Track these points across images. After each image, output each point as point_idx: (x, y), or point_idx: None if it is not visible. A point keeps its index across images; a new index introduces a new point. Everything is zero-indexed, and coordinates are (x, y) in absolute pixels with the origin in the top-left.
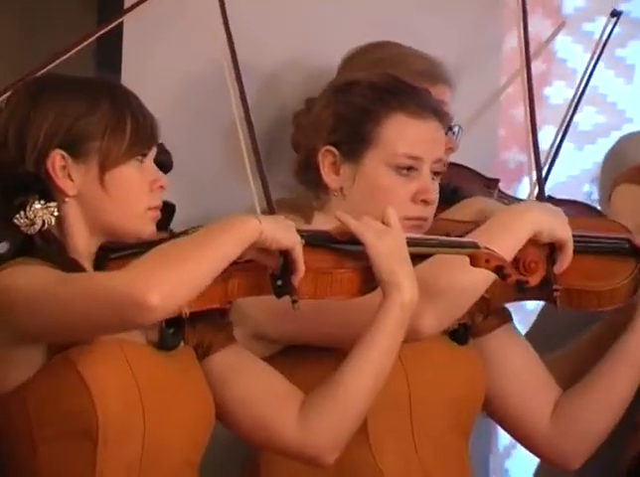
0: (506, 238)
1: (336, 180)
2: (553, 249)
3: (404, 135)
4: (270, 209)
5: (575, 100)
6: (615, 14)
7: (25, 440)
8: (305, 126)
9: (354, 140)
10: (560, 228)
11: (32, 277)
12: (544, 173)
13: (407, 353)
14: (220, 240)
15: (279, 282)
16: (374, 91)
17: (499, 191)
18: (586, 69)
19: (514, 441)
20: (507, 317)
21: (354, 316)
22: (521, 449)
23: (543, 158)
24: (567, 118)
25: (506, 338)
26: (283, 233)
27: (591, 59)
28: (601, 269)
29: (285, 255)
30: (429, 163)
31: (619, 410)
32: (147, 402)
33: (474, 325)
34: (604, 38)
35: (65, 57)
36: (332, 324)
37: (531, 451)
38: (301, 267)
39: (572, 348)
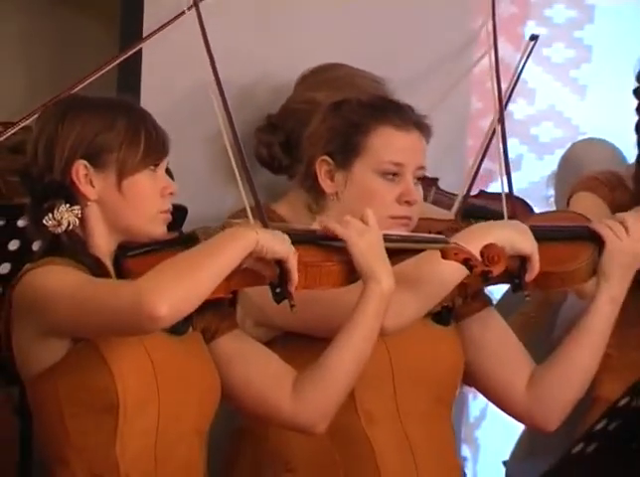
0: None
1: (331, 186)
2: (523, 261)
3: (389, 145)
4: (258, 207)
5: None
6: (533, 38)
7: (56, 416)
8: (307, 138)
9: (346, 150)
10: (521, 242)
11: (59, 279)
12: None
13: (391, 335)
14: (222, 252)
15: (277, 290)
16: (362, 108)
17: (437, 188)
18: (513, 78)
19: (484, 413)
20: (488, 302)
21: (338, 310)
22: (489, 420)
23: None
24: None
25: (488, 320)
26: (278, 244)
27: (513, 76)
28: (564, 254)
29: (281, 265)
30: (412, 169)
31: (585, 381)
32: (161, 381)
33: (456, 308)
34: (523, 60)
35: (90, 79)
36: (321, 315)
37: (511, 416)
38: (295, 276)
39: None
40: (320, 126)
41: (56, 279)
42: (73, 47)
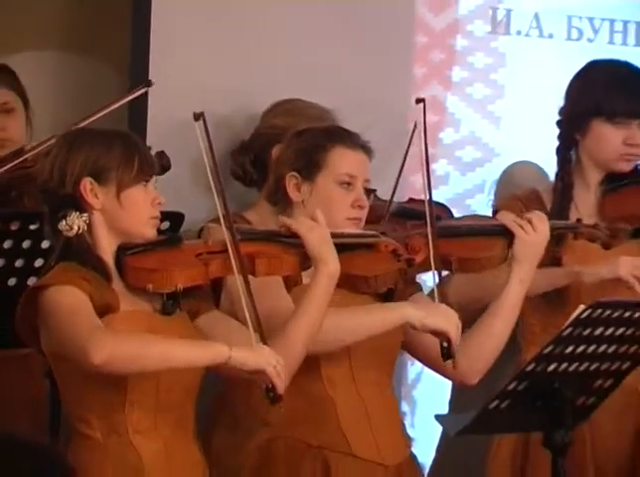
0: (377, 319)
1: (298, 195)
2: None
3: (344, 160)
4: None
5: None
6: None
7: (79, 388)
8: (276, 160)
9: (310, 166)
10: (431, 321)
11: (64, 300)
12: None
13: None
14: (186, 352)
15: (271, 394)
16: (322, 133)
17: (375, 196)
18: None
19: (419, 376)
20: (419, 288)
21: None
22: (424, 382)
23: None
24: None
25: (420, 302)
26: (252, 359)
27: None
28: (483, 245)
29: None
30: (361, 180)
31: (498, 345)
32: None
33: (397, 290)
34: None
35: (102, 113)
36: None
37: (441, 375)
38: (278, 383)
39: None
40: (286, 150)
41: (63, 300)
42: (91, 89)
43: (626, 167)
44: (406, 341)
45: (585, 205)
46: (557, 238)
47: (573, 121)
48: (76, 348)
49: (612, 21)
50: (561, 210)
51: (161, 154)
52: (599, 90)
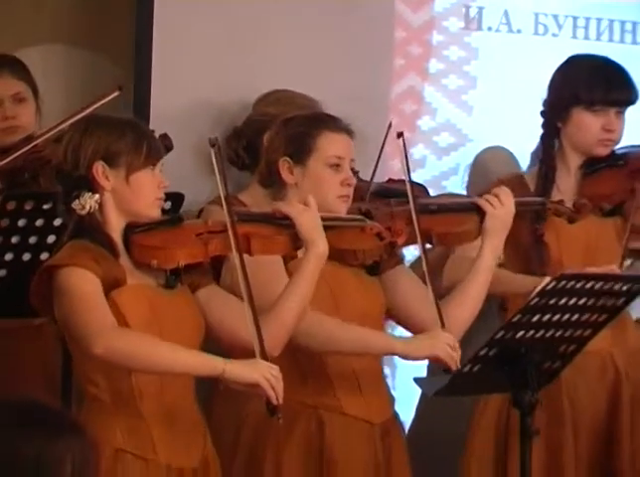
0: (367, 340)
1: (292, 178)
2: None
3: (332, 144)
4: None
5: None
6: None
7: (85, 358)
8: (267, 147)
9: (301, 151)
10: (420, 350)
11: (77, 284)
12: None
13: (335, 282)
14: (184, 362)
15: (270, 406)
16: (309, 120)
17: (358, 177)
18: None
19: None
20: (401, 260)
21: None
22: None
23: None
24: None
25: (403, 273)
26: (247, 372)
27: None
28: (459, 220)
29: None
30: (348, 161)
31: (474, 308)
32: (162, 323)
33: (382, 262)
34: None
35: (103, 101)
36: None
37: None
38: (271, 394)
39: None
40: (276, 136)
41: (76, 281)
42: (97, 80)
43: (603, 151)
44: (394, 313)
45: (566, 187)
46: (537, 217)
47: (556, 111)
48: (82, 335)
49: (575, 17)
50: (544, 192)
51: (164, 136)
52: (579, 81)
